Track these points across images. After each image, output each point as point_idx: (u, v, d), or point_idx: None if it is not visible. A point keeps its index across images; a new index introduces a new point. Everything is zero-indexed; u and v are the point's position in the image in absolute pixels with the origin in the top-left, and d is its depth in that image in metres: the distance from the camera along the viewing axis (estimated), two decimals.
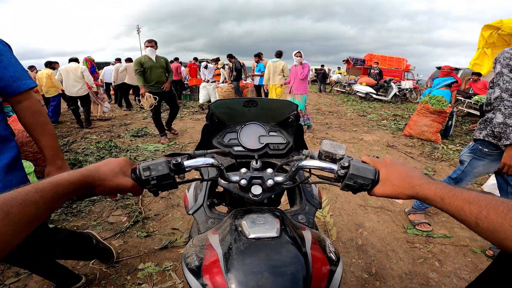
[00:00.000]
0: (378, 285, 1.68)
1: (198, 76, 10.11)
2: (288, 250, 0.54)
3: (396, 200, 2.69)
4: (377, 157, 4.01)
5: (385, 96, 10.75)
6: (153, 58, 4.18)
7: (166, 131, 4.73)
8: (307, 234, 0.63)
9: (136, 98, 8.02)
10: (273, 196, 0.86)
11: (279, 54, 5.71)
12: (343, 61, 19.70)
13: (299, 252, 0.54)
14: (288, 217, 0.68)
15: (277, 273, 0.49)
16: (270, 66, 5.64)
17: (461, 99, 7.09)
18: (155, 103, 4.18)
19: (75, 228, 2.18)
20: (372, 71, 12.21)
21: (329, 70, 18.57)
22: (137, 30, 41.25)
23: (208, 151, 0.76)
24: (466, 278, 1.77)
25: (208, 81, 8.62)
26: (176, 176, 0.62)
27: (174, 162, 0.60)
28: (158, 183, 0.58)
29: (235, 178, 0.71)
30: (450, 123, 5.14)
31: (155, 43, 4.29)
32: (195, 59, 10.47)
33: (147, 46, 4.20)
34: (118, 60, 8.14)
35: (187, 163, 0.63)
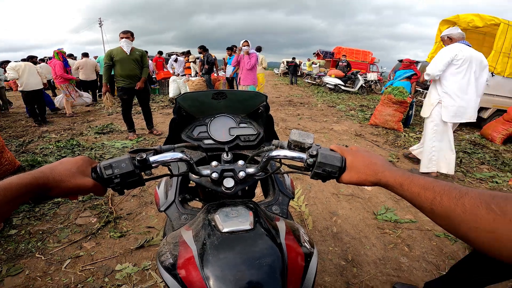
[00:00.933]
0: (355, 272, 1.76)
1: (165, 70, 9.83)
2: (262, 242, 0.54)
3: (366, 187, 2.84)
4: (346, 145, 4.19)
5: (352, 88, 11.22)
6: (127, 51, 3.93)
7: (149, 132, 4.54)
8: (281, 225, 0.64)
9: (99, 94, 7.59)
10: (246, 188, 0.87)
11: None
12: (313, 53, 20.13)
13: (274, 244, 0.54)
14: (262, 209, 0.69)
15: (253, 266, 0.49)
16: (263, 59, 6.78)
17: (420, 90, 7.61)
18: (111, 106, 3.98)
19: (40, 232, 2.04)
20: (340, 63, 12.67)
21: (300, 62, 18.87)
22: (99, 24, 38.66)
23: (176, 145, 0.74)
24: (433, 262, 1.87)
25: (178, 74, 8.36)
26: (143, 173, 0.59)
27: (138, 158, 0.57)
28: (123, 181, 0.55)
29: (206, 172, 0.70)
30: (410, 112, 5.51)
31: (131, 34, 4.03)
32: (160, 52, 10.20)
33: (122, 38, 3.94)
34: (86, 55, 7.61)
35: (153, 158, 0.61)
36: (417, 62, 8.98)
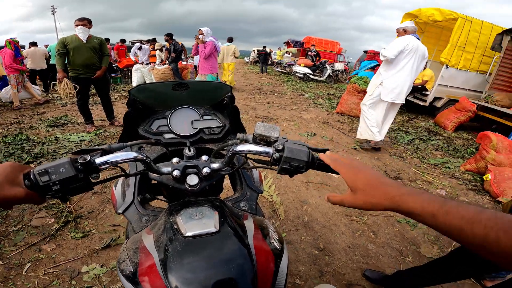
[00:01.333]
0: (327, 260, 1.82)
1: (127, 57, 9.34)
2: (229, 245, 0.51)
3: (333, 174, 2.96)
4: (314, 134, 4.29)
5: (320, 77, 11.51)
6: (84, 39, 3.67)
7: (110, 124, 4.26)
8: (249, 224, 0.62)
9: (52, 83, 6.91)
10: (214, 183, 0.83)
11: (230, 40, 7.29)
12: (284, 43, 20.16)
13: (241, 246, 0.52)
14: (229, 207, 0.66)
15: (220, 272, 0.46)
16: (224, 49, 7.05)
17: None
18: (73, 93, 3.64)
19: None
20: (310, 53, 12.88)
21: (271, 51, 18.85)
22: (52, 11, 35.04)
23: (130, 143, 0.67)
24: (397, 248, 1.97)
25: (142, 63, 7.91)
26: (90, 176, 0.53)
27: (81, 161, 0.50)
28: (63, 188, 0.49)
29: (166, 169, 0.64)
30: None
31: (89, 21, 3.76)
32: (122, 40, 9.60)
33: (77, 25, 3.66)
34: (34, 44, 6.92)
35: (100, 160, 0.54)
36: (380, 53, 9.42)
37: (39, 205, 2.19)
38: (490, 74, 5.83)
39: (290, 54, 15.79)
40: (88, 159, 0.51)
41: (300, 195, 2.55)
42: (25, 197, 0.46)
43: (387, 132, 4.74)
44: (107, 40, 8.70)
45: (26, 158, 2.97)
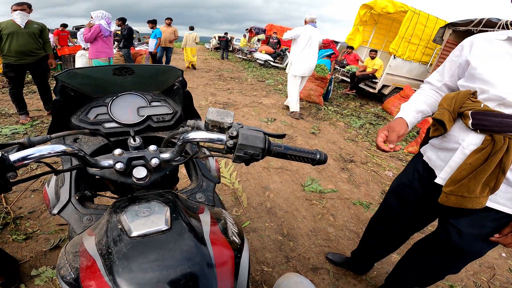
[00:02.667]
0: (292, 245, 1.86)
1: (70, 44, 8.34)
2: (183, 243, 0.47)
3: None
4: (274, 119, 4.35)
5: (281, 64, 11.64)
6: (22, 24, 3.40)
7: (48, 114, 3.89)
8: (205, 217, 0.58)
9: None
10: (168, 173, 0.77)
11: (192, 28, 8.86)
12: (246, 29, 19.77)
13: (197, 242, 0.48)
14: (183, 199, 0.62)
15: (174, 272, 0.43)
16: (187, 37, 8.65)
17: (337, 68, 8.38)
18: None
19: None
20: (271, 40, 12.88)
21: (232, 38, 18.40)
22: None
23: (55, 134, 0.58)
24: (354, 230, 2.06)
25: (84, 48, 7.11)
26: (8, 175, 0.45)
27: None
28: None
29: (107, 162, 0.58)
30: (329, 88, 6.04)
31: (28, 6, 3.48)
32: (64, 25, 8.52)
33: (15, 10, 3.38)
34: None
35: (16, 156, 0.46)
36: (337, 42, 9.79)
37: None
38: (431, 64, 6.44)
39: (260, 41, 15.72)
40: (0, 155, 0.43)
41: (261, 181, 2.59)
42: None
43: (341, 116, 5.02)
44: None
45: None
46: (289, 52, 12.25)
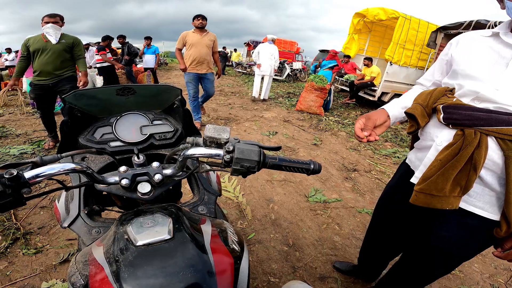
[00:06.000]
0: (298, 255, 1.86)
1: None
2: (185, 251, 0.50)
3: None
4: (275, 132, 4.40)
5: (280, 76, 11.79)
6: (53, 39, 3.09)
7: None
8: (207, 228, 0.61)
9: None
10: (171, 187, 0.81)
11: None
12: (244, 43, 20.19)
13: (198, 250, 0.51)
14: (186, 212, 0.65)
15: (177, 278, 0.45)
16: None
17: (336, 78, 8.50)
18: (2, 103, 3.25)
19: None
20: None
21: (231, 52, 18.81)
22: None
23: (65, 153, 0.63)
24: (361, 238, 2.02)
25: (90, 66, 7.28)
26: (22, 191, 0.49)
27: (7, 176, 0.47)
28: None
29: (113, 179, 0.62)
30: (329, 98, 6.11)
31: (61, 18, 3.18)
32: None
33: (46, 22, 3.07)
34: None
35: (30, 174, 0.50)
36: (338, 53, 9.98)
37: None
38: (427, 69, 6.50)
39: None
40: (15, 174, 0.48)
41: (265, 194, 2.60)
42: None
43: (343, 126, 5.04)
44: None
45: None
46: (288, 64, 12.54)
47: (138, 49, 7.51)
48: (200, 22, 3.89)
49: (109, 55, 6.10)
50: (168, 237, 0.52)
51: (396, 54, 6.13)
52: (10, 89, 3.36)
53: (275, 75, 11.76)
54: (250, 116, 5.38)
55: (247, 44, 19.47)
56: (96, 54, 6.02)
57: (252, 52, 16.16)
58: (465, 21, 5.16)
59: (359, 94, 7.17)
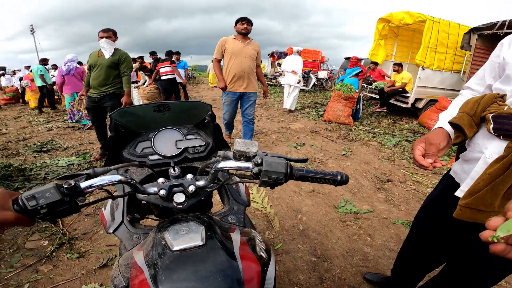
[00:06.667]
0: (326, 266, 1.82)
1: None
2: (215, 257, 0.54)
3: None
4: (303, 143, 4.37)
5: (306, 86, 11.74)
6: (107, 54, 3.15)
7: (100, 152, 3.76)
8: (236, 236, 0.64)
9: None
10: (203, 198, 0.86)
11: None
12: (268, 54, 20.54)
13: (227, 257, 0.54)
14: (217, 221, 0.69)
15: (208, 284, 0.49)
16: (211, 66, 9.39)
17: (364, 86, 8.28)
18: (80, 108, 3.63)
19: None
20: None
21: None
22: (31, 30, 34.65)
23: (113, 166, 0.70)
24: (395, 249, 1.96)
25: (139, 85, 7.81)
26: (77, 199, 0.56)
27: (66, 186, 0.53)
28: (50, 211, 0.52)
29: (152, 189, 0.68)
30: (358, 106, 5.96)
31: (114, 33, 3.24)
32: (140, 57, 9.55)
33: (101, 37, 3.15)
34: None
35: (85, 184, 0.57)
36: (361, 59, 9.76)
37: (32, 228, 2.19)
38: (464, 72, 6.10)
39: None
40: (73, 184, 0.54)
41: (293, 205, 2.58)
42: (15, 220, 0.50)
43: (374, 136, 4.89)
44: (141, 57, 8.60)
45: (15, 184, 2.90)
46: (313, 73, 12.49)
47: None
48: (245, 28, 3.17)
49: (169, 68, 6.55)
50: (201, 243, 0.56)
51: (427, 58, 5.87)
52: (79, 98, 3.69)
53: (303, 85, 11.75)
54: (277, 128, 5.40)
55: (271, 55, 19.76)
56: (161, 67, 6.49)
57: (277, 63, 16.30)
58: (498, 21, 4.88)
59: (390, 101, 6.90)
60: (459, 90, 6.33)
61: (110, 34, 3.21)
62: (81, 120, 5.42)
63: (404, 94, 6.53)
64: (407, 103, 6.45)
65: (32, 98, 8.41)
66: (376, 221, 2.35)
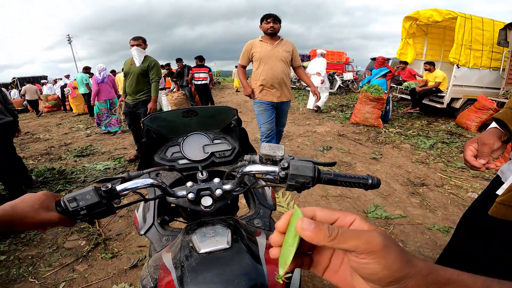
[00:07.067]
0: None
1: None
2: (240, 260, 0.54)
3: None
4: (330, 147, 4.26)
5: (331, 89, 11.51)
6: (137, 61, 3.29)
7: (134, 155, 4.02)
8: (262, 240, 0.64)
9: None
10: (229, 202, 0.87)
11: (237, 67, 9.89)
12: None
13: (252, 261, 0.54)
14: (243, 224, 0.70)
15: (232, 286, 0.49)
16: (235, 72, 10.10)
17: (394, 86, 7.93)
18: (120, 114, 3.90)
19: (29, 257, 2.02)
20: None
21: None
22: (68, 40, 37.55)
23: (145, 170, 0.73)
24: (430, 256, 1.89)
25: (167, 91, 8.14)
26: (113, 201, 0.59)
27: (104, 189, 0.57)
28: (89, 212, 0.56)
29: (181, 193, 0.70)
30: (388, 108, 5.71)
31: (143, 40, 3.34)
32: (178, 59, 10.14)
33: (132, 45, 3.28)
34: (28, 82, 8.58)
35: (121, 187, 0.60)
36: (388, 59, 9.38)
37: (72, 229, 2.34)
38: (503, 69, 5.67)
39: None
40: (110, 187, 0.57)
41: None
42: (58, 221, 0.55)
43: (406, 138, 4.65)
44: (113, 71, 9.36)
45: (58, 187, 3.15)
46: (338, 75, 12.22)
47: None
48: (271, 27, 2.63)
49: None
50: (227, 246, 0.57)
51: (462, 56, 5.56)
52: (119, 104, 3.95)
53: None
54: (303, 131, 5.34)
55: None
56: (196, 73, 6.93)
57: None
58: None
59: (423, 102, 6.52)
60: (499, 88, 5.91)
61: (140, 42, 3.31)
62: (108, 127, 5.85)
63: (439, 94, 6.16)
64: (442, 103, 6.07)
65: (73, 105, 9.13)
66: (410, 226, 2.24)
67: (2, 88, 2.99)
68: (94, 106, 5.94)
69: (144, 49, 3.39)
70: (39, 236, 2.26)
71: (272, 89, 2.76)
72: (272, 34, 2.70)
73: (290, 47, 2.79)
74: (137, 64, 3.34)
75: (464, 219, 1.14)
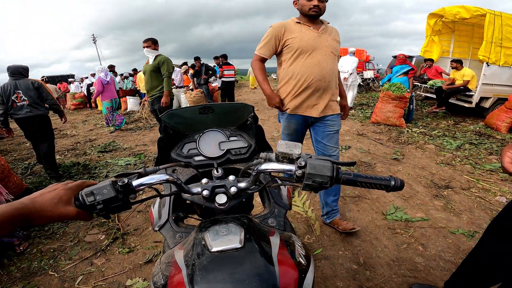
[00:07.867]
0: (368, 275, 1.71)
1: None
2: (253, 260, 0.53)
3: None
4: (349, 146, 4.16)
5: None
6: (150, 60, 3.57)
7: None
8: (275, 240, 0.62)
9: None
10: (244, 200, 0.86)
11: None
12: None
13: (265, 261, 0.53)
14: (256, 223, 0.68)
15: (242, 287, 0.48)
16: (251, 71, 9.02)
17: (418, 85, 7.59)
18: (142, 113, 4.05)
19: (51, 250, 2.11)
20: None
21: None
22: (93, 40, 39.20)
23: (162, 166, 0.73)
24: (451, 260, 1.82)
25: (176, 86, 8.31)
26: (129, 196, 0.60)
27: (120, 183, 0.57)
28: (106, 207, 0.56)
29: (196, 189, 0.69)
30: (411, 107, 5.48)
31: (153, 41, 3.60)
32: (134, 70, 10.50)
33: (143, 47, 3.59)
34: (47, 81, 8.82)
35: (137, 182, 0.61)
36: (411, 57, 9.00)
37: (92, 222, 2.43)
38: None
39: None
40: (126, 182, 0.58)
41: None
42: (76, 215, 0.55)
43: (430, 138, 4.45)
44: (135, 70, 9.81)
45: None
46: (357, 73, 11.88)
47: (215, 66, 8.24)
48: (316, 5, 1.71)
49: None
50: (239, 245, 0.55)
51: (492, 54, 5.28)
52: (142, 104, 4.15)
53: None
54: None
55: None
56: (226, 70, 7.17)
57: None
58: None
59: (449, 101, 6.20)
60: None
61: (150, 43, 3.55)
62: (116, 126, 6.08)
63: (467, 93, 5.84)
64: (470, 102, 5.75)
65: (99, 103, 9.54)
66: (431, 230, 2.15)
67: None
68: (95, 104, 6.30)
69: (155, 49, 3.58)
70: (62, 229, 2.35)
71: (313, 96, 1.83)
72: (315, 17, 1.78)
73: (338, 36, 1.90)
74: (150, 63, 3.57)
75: (494, 223, 1.08)
